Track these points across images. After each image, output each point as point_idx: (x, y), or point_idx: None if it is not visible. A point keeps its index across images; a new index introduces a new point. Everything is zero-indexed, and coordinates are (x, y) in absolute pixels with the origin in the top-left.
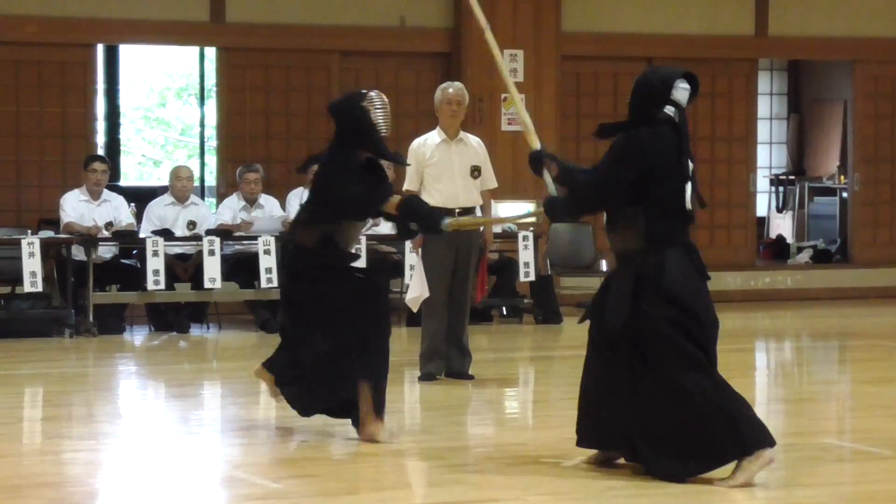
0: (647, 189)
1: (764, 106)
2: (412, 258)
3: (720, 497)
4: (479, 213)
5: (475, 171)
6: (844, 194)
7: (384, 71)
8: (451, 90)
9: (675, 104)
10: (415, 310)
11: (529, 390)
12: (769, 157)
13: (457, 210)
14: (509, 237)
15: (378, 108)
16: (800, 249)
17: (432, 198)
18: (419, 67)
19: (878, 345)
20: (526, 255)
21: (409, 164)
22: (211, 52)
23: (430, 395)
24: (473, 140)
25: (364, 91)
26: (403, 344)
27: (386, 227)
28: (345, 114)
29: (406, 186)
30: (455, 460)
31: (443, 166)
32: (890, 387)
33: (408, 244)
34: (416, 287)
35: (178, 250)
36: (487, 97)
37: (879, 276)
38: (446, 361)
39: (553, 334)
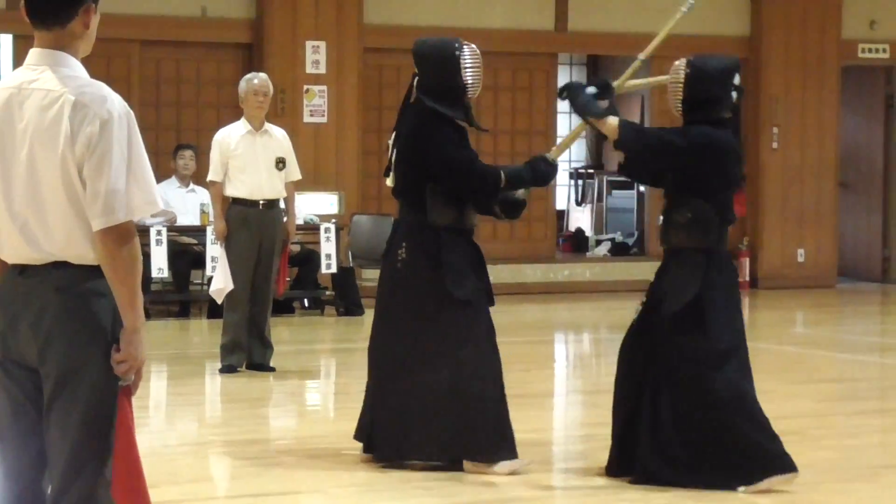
0: None
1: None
2: (214, 249)
3: (509, 484)
4: (282, 205)
5: (280, 163)
6: (642, 188)
7: (185, 61)
8: (256, 81)
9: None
10: (220, 301)
11: (331, 382)
12: (568, 151)
13: (261, 202)
14: (311, 229)
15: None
16: (598, 242)
17: (237, 189)
18: (221, 58)
19: None
20: (328, 246)
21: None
22: (7, 40)
23: (230, 387)
24: (278, 132)
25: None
26: (204, 336)
27: (186, 219)
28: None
29: (210, 177)
30: (256, 453)
31: (248, 158)
32: None
33: (210, 235)
34: (219, 279)
35: None
36: (289, 88)
37: None
38: (248, 353)
39: (354, 326)
